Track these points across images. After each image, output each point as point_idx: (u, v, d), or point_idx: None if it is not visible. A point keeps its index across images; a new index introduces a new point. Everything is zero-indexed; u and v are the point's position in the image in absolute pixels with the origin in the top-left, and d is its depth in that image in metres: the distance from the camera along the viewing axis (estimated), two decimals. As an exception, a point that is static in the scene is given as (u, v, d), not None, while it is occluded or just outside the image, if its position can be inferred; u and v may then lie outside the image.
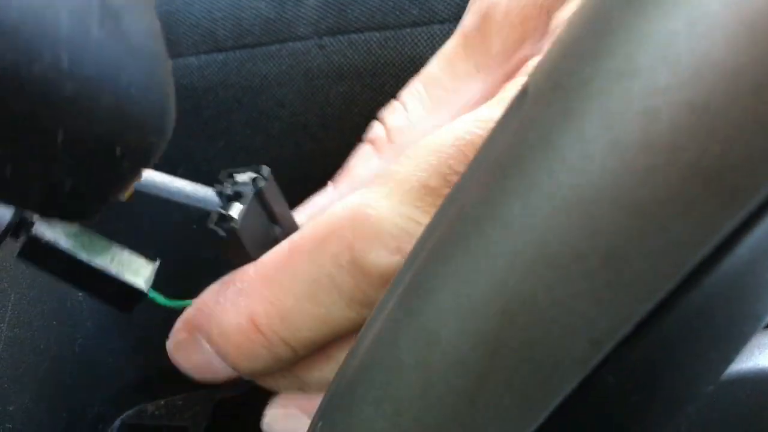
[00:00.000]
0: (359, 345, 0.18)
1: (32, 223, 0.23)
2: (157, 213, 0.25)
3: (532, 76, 0.15)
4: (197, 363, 0.25)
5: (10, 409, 0.31)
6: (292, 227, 0.26)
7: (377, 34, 0.39)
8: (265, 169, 0.25)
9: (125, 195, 0.25)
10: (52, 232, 0.24)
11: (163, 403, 0.45)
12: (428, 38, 0.37)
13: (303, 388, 0.26)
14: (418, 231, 0.21)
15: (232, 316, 0.23)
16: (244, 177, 0.25)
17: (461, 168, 0.22)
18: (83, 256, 0.24)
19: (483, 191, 0.15)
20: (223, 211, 0.24)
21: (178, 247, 0.36)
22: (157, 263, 0.25)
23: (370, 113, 0.30)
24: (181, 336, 0.25)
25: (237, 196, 0.24)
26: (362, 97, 0.32)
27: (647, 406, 0.16)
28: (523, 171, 0.14)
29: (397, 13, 0.39)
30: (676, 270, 0.13)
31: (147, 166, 0.18)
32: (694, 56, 0.12)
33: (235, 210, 0.24)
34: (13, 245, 0.33)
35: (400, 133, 0.27)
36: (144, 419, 0.45)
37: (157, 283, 0.25)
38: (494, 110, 0.22)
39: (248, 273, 0.24)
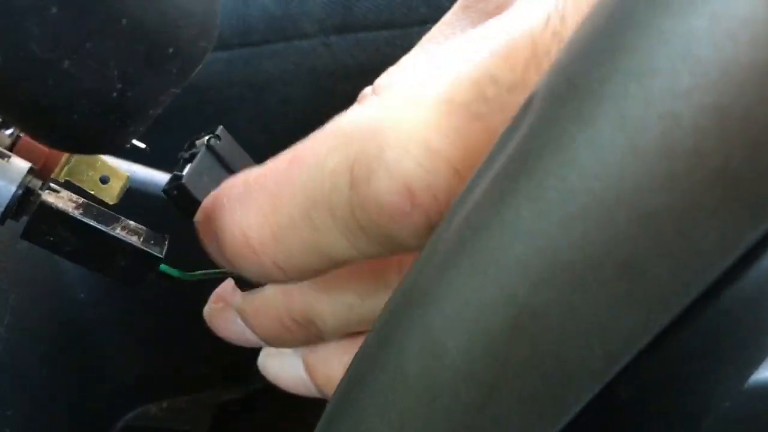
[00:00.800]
0: (363, 352, 0.17)
1: (39, 194, 0.22)
2: (145, 207, 0.25)
3: (545, 75, 0.15)
4: (214, 249, 0.23)
5: (9, 413, 0.31)
6: None
7: (385, 33, 0.39)
8: (220, 129, 0.25)
9: (114, 197, 0.25)
10: (62, 203, 0.23)
11: (165, 404, 0.45)
12: (436, 37, 0.36)
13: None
14: (431, 161, 0.18)
15: (228, 222, 0.21)
16: (201, 140, 0.25)
17: (507, 76, 0.18)
18: (97, 224, 0.23)
19: (490, 195, 0.15)
20: (177, 172, 0.24)
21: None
22: (167, 236, 0.25)
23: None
24: (201, 217, 0.24)
25: (192, 158, 0.24)
26: (368, 97, 0.32)
27: (662, 422, 0.15)
28: (533, 175, 0.14)
29: (405, 11, 0.39)
30: (697, 281, 0.12)
31: (191, 72, 0.19)
32: (717, 56, 0.12)
33: (187, 169, 0.24)
34: (11, 243, 0.33)
35: (387, 85, 0.26)
36: (147, 421, 0.44)
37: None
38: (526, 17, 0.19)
39: (250, 177, 0.22)
